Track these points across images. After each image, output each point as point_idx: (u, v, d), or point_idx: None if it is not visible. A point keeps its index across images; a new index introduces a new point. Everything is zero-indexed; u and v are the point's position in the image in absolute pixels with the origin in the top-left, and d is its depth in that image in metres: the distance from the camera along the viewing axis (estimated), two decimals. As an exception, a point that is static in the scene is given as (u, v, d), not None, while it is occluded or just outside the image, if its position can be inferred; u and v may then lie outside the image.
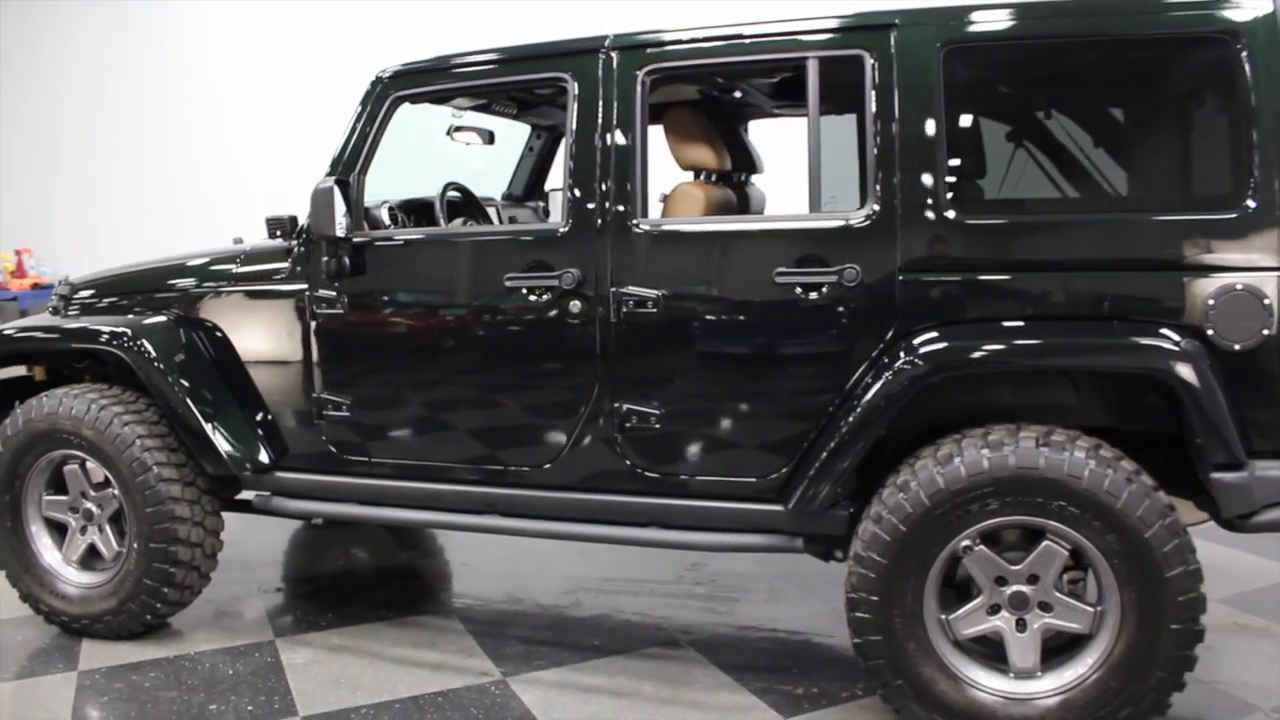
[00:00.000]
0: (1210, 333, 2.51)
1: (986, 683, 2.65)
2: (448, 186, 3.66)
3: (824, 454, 2.74)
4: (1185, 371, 2.47)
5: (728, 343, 2.87)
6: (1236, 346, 2.51)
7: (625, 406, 2.95)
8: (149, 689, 3.15)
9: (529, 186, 4.51)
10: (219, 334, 3.44)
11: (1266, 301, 2.48)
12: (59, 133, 7.98)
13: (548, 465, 3.06)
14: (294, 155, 6.07)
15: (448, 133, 3.88)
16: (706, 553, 4.13)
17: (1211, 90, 2.59)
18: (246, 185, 7.25)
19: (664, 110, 3.34)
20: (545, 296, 2.98)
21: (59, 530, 3.55)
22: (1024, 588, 2.63)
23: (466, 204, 3.79)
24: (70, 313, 3.68)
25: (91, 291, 3.68)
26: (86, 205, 7.91)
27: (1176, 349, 2.48)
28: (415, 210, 3.63)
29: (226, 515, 3.56)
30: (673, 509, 2.96)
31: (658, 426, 2.93)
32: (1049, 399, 2.81)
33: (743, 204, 3.77)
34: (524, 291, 3.01)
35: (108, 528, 3.47)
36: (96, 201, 7.90)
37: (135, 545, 3.35)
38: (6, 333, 3.61)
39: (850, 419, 2.70)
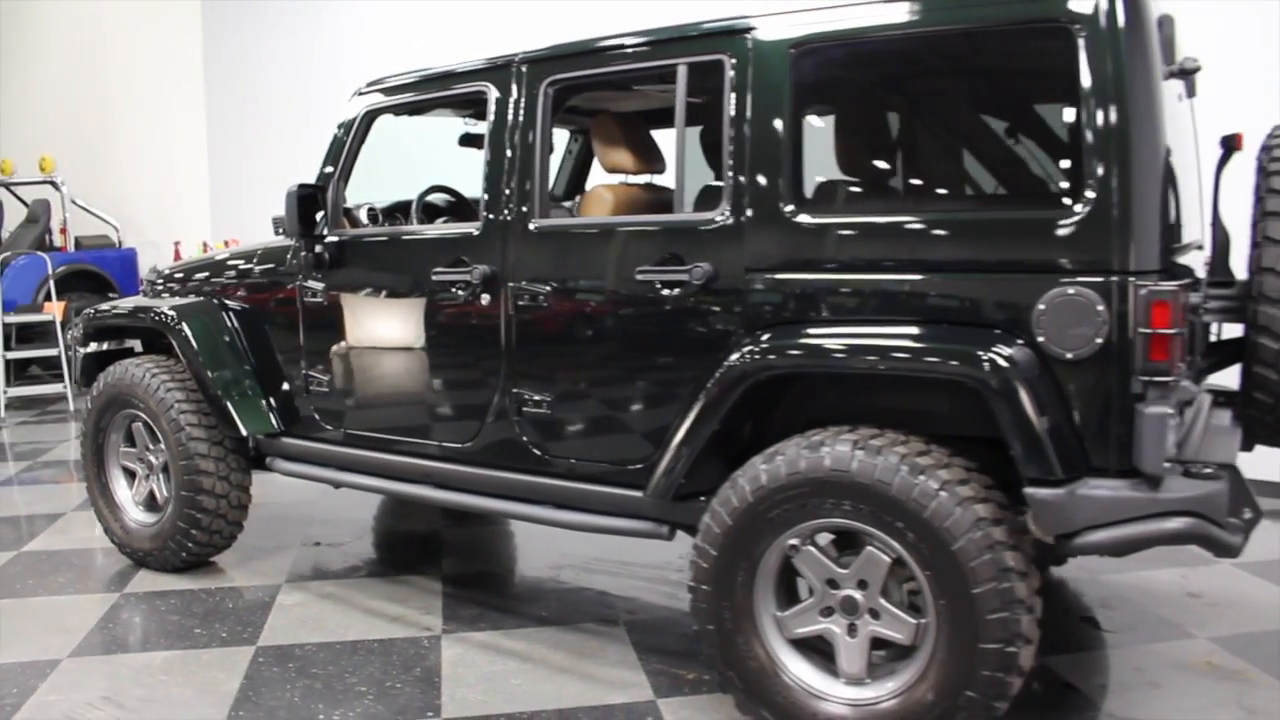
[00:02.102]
0: (1041, 339, 2.38)
1: (810, 683, 2.65)
2: (431, 189, 4.01)
3: (670, 446, 2.84)
4: (995, 378, 2.35)
5: (600, 336, 3.02)
6: (1069, 355, 2.36)
7: (523, 392, 3.18)
8: (162, 612, 3.75)
9: (570, 187, 4.78)
10: (245, 316, 4.00)
11: (1100, 308, 2.32)
12: (258, 137, 9.20)
13: (466, 443, 3.35)
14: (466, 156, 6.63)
15: (459, 141, 4.23)
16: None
17: (1051, 82, 2.43)
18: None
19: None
20: (461, 290, 3.27)
21: (130, 476, 4.27)
22: (854, 593, 2.60)
23: (457, 205, 4.12)
24: (153, 295, 4.40)
25: (166, 277, 4.37)
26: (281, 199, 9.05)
27: (990, 355, 2.36)
28: (401, 211, 4.02)
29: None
30: (559, 489, 3.16)
31: (547, 412, 3.14)
32: (922, 405, 2.73)
33: None
34: (447, 285, 3.31)
35: (161, 477, 4.14)
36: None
37: (173, 493, 3.99)
38: (92, 313, 4.36)
39: (691, 414, 2.78)
